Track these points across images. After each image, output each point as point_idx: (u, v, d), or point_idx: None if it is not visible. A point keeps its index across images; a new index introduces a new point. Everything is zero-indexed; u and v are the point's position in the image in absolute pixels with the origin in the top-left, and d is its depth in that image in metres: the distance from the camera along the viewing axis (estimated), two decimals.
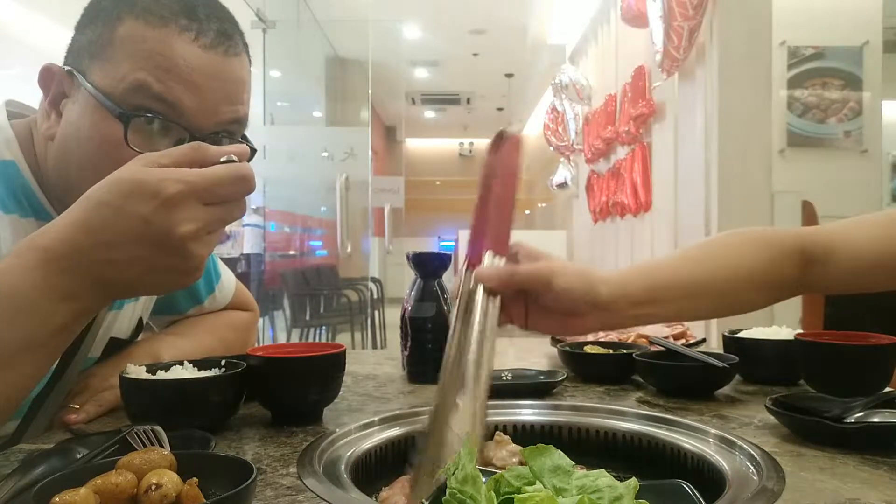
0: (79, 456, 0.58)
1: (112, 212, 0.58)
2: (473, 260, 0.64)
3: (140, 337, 1.01)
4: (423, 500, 0.46)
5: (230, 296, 1.14)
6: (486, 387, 0.54)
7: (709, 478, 0.65)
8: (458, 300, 0.62)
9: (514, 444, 0.70)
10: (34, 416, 0.83)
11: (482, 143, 13.91)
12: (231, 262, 6.13)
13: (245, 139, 0.81)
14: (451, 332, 0.58)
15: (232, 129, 0.79)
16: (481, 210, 0.66)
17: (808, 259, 0.75)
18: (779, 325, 1.07)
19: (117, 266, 0.58)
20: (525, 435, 0.78)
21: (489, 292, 0.61)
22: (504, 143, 0.66)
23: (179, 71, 0.72)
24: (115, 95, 0.71)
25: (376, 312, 6.23)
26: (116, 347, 0.93)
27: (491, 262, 0.64)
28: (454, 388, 0.53)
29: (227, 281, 1.14)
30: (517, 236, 0.68)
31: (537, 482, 0.45)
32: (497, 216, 0.66)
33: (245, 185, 0.61)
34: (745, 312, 0.76)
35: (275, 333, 5.73)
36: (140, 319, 1.00)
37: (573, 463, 0.47)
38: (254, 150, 0.75)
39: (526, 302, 0.68)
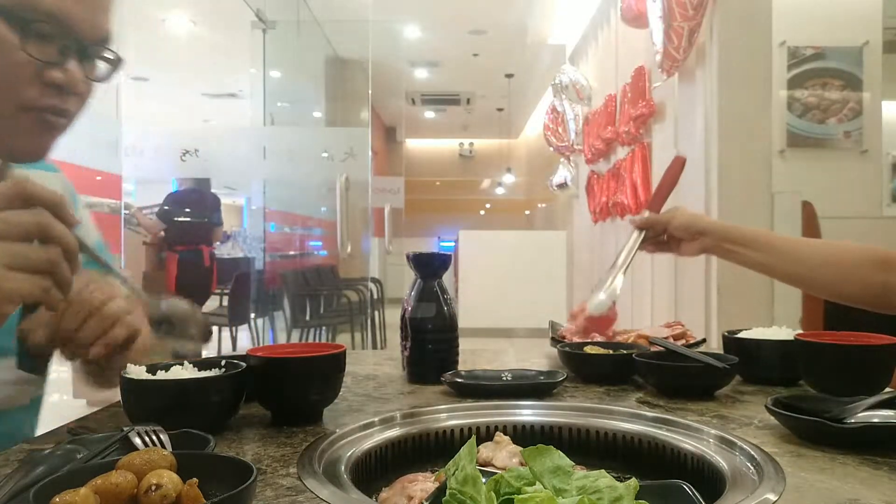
0: (79, 456, 0.58)
1: None
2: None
3: None
4: (424, 501, 0.46)
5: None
6: (625, 269, 1.18)
7: (709, 478, 0.65)
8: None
9: (514, 445, 0.70)
10: None
11: (482, 144, 13.92)
12: (231, 263, 6.13)
13: (114, 53, 0.86)
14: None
15: (108, 43, 0.85)
16: (655, 193, 1.27)
17: (890, 267, 0.97)
18: (779, 325, 1.06)
19: None
20: (525, 435, 0.78)
21: (637, 228, 1.21)
22: (674, 160, 1.28)
23: None
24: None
25: (376, 313, 6.23)
26: None
27: (643, 213, 1.22)
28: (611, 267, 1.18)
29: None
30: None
31: (537, 483, 0.45)
32: (658, 196, 1.26)
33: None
34: (830, 297, 1.04)
35: (275, 334, 5.73)
36: None
37: (573, 463, 0.47)
38: (120, 60, 0.86)
39: (660, 241, 1.22)
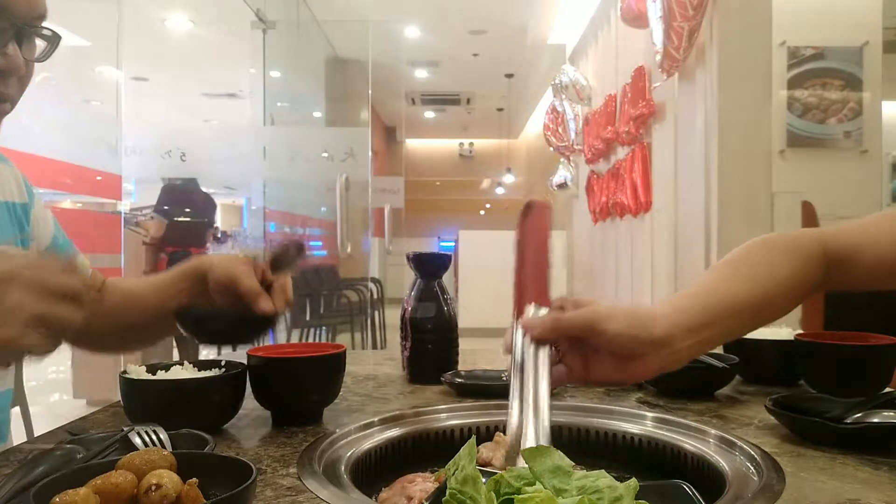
0: (79, 456, 0.58)
1: None
2: (520, 314, 0.66)
3: None
4: (424, 501, 0.46)
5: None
6: (548, 426, 0.58)
7: (709, 478, 0.65)
8: (512, 354, 0.63)
9: None
10: None
11: (482, 144, 13.91)
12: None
13: (51, 30, 0.86)
14: (510, 385, 0.61)
15: (44, 20, 0.84)
16: (519, 272, 0.69)
17: (831, 261, 0.75)
18: (779, 325, 1.06)
19: None
20: None
21: (537, 342, 0.62)
22: (532, 210, 0.71)
23: None
24: None
25: (376, 313, 6.23)
26: None
27: (535, 313, 0.65)
28: (520, 432, 0.58)
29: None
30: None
31: (537, 483, 0.45)
32: (534, 275, 0.68)
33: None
34: (777, 320, 0.75)
35: (275, 334, 5.73)
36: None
37: (573, 463, 0.47)
38: (58, 37, 0.85)
39: (583, 354, 0.65)
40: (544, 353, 0.62)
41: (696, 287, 0.72)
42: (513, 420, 0.59)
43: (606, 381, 0.67)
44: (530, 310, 0.65)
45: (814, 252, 0.75)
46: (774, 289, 0.73)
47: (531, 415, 0.58)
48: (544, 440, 0.56)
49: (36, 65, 0.86)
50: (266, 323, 0.78)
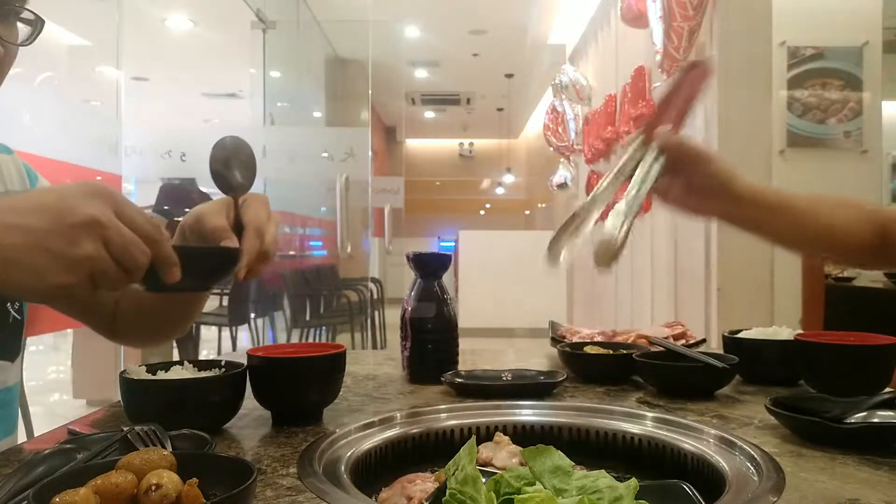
0: (79, 456, 0.58)
1: (46, 189, 0.59)
2: (649, 133, 0.82)
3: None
4: (424, 501, 0.46)
5: None
6: (637, 208, 0.74)
7: (709, 478, 0.65)
8: (622, 159, 0.80)
9: (513, 445, 0.70)
10: None
11: (482, 144, 13.92)
12: None
13: (32, 13, 0.82)
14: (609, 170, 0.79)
15: (23, 2, 0.81)
16: (664, 105, 0.86)
17: (886, 235, 0.85)
18: (779, 325, 1.07)
19: (5, 228, 0.55)
20: (525, 435, 0.78)
21: (661, 151, 0.79)
22: (695, 68, 0.88)
23: None
24: None
25: (376, 313, 6.23)
26: None
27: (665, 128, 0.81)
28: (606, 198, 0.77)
29: None
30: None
31: (537, 483, 0.45)
32: (679, 112, 0.86)
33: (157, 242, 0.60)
34: (822, 257, 0.90)
35: (275, 334, 5.73)
36: None
37: (573, 463, 0.47)
38: (40, 21, 0.81)
39: (671, 178, 0.81)
40: (661, 162, 0.78)
41: (772, 187, 0.87)
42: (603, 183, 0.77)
43: (680, 206, 0.84)
44: (666, 129, 0.81)
45: (874, 220, 0.87)
46: (837, 225, 0.86)
47: (632, 192, 0.75)
48: (631, 207, 0.73)
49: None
50: (226, 262, 0.70)
